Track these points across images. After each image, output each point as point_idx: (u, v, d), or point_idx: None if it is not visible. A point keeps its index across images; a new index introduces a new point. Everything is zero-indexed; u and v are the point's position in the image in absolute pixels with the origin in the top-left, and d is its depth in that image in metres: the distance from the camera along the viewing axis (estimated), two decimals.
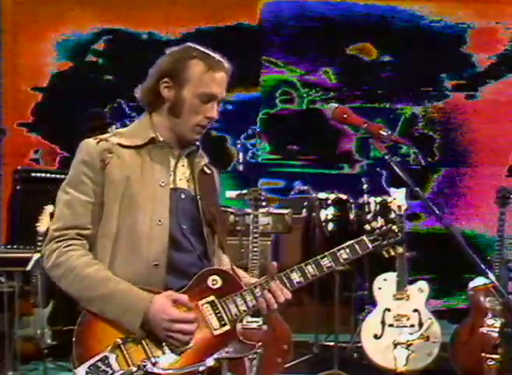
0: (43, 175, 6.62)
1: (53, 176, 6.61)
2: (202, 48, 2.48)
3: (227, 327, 2.37)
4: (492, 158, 7.83)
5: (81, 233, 2.37)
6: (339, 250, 2.51)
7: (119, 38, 7.97)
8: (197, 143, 2.54)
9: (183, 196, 2.46)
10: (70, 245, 2.35)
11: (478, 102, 7.90)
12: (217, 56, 2.48)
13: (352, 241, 2.54)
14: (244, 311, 2.39)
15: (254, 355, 4.75)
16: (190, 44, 2.52)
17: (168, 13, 7.90)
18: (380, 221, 2.62)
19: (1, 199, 7.66)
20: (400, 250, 2.61)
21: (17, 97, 7.90)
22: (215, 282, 2.39)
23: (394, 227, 2.59)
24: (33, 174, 6.62)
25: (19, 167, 6.72)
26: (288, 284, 2.44)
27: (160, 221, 2.37)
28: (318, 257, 2.50)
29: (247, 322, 4.83)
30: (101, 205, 2.39)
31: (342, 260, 2.51)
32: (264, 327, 4.91)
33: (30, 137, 7.91)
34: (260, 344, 4.92)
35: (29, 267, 4.86)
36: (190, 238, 2.43)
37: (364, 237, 2.55)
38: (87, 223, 2.37)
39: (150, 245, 2.35)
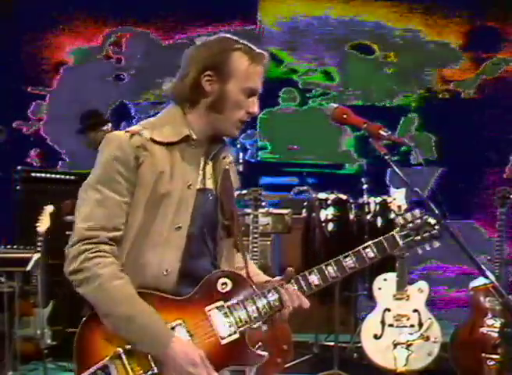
0: (43, 175, 6.63)
1: (53, 176, 6.61)
2: (241, 40, 2.35)
3: (235, 336, 2.24)
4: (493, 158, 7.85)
5: (113, 236, 2.21)
6: (364, 248, 2.33)
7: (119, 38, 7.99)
8: (225, 139, 2.41)
9: (210, 197, 2.35)
10: (99, 251, 2.19)
11: (478, 102, 7.91)
12: (257, 48, 2.35)
13: (381, 238, 2.35)
14: (255, 318, 2.26)
15: None
16: (226, 35, 2.38)
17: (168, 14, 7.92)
18: (415, 213, 2.36)
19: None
20: (437, 244, 2.36)
21: (16, 96, 7.91)
22: (224, 286, 2.25)
23: (430, 219, 2.34)
24: (32, 174, 6.63)
25: (18, 167, 6.72)
26: (305, 287, 2.32)
27: (179, 226, 2.25)
28: (340, 257, 2.33)
29: None
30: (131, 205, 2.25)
31: (368, 259, 2.33)
32: (264, 327, 4.91)
33: (28, 136, 7.92)
34: (260, 344, 4.94)
35: (29, 267, 4.86)
36: (208, 240, 2.34)
37: (395, 232, 2.36)
38: (120, 224, 2.22)
39: (164, 252, 2.24)
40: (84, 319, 2.25)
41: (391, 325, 5.15)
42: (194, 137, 2.31)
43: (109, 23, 7.95)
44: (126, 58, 7.93)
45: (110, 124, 5.78)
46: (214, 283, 2.26)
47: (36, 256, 4.88)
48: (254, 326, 2.28)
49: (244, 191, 5.42)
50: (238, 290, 2.27)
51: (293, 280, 2.31)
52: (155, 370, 2.18)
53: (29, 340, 5.27)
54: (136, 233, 2.24)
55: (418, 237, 2.35)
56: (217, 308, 2.25)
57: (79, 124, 5.86)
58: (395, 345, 5.07)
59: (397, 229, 2.36)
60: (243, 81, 2.29)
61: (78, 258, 2.19)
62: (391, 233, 2.36)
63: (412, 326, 5.12)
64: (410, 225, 2.36)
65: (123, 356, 2.19)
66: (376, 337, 5.15)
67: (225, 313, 2.25)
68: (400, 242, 2.35)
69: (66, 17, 7.90)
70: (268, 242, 6.02)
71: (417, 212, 2.36)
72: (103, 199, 2.21)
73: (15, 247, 5.22)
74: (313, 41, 7.96)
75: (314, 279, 2.32)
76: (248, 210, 5.36)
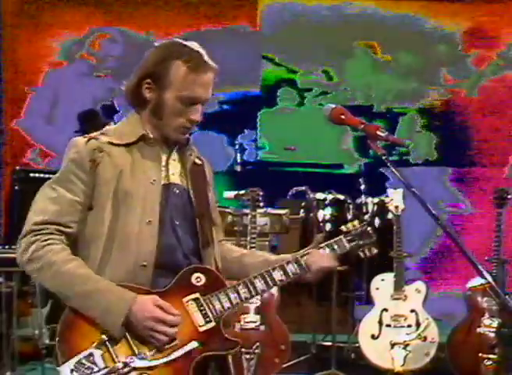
0: (41, 175, 6.62)
1: (52, 176, 6.60)
2: (187, 46, 2.40)
3: (212, 324, 2.36)
4: (493, 158, 7.85)
5: (62, 229, 2.33)
6: (318, 249, 2.56)
7: (119, 38, 7.98)
8: (187, 136, 2.50)
9: (176, 191, 2.44)
10: (49, 239, 2.31)
11: (478, 101, 7.92)
12: (202, 56, 2.40)
13: (331, 241, 2.58)
14: (228, 308, 2.39)
15: (252, 356, 4.76)
16: (175, 40, 2.46)
17: (167, 14, 7.91)
18: (356, 222, 2.65)
19: (0, 199, 7.67)
20: (375, 251, 2.64)
21: (14, 96, 7.91)
22: (198, 279, 2.38)
23: (369, 229, 2.63)
24: (31, 174, 6.62)
25: (17, 167, 6.72)
26: (271, 282, 2.47)
27: (149, 221, 2.35)
28: (298, 254, 2.54)
29: (245, 322, 4.85)
30: (87, 206, 2.36)
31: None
32: (262, 327, 4.92)
33: (26, 136, 7.92)
34: (257, 344, 4.97)
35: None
36: (181, 234, 2.42)
37: (342, 237, 2.59)
38: (70, 221, 2.34)
39: (138, 246, 2.33)
40: (64, 312, 2.32)
41: (388, 325, 5.15)
42: (151, 135, 2.43)
43: (103, 20, 7.95)
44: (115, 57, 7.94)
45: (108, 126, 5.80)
46: (188, 277, 2.38)
47: None
48: (225, 313, 2.41)
49: (242, 192, 5.43)
50: (211, 283, 2.39)
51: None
52: (139, 356, 2.26)
53: (27, 340, 5.28)
54: (108, 229, 2.34)
55: (361, 242, 2.62)
56: (193, 299, 2.37)
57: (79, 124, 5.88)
58: (392, 345, 5.08)
59: (344, 234, 2.61)
60: (180, 90, 2.36)
61: (29, 248, 2.31)
62: (339, 237, 2.60)
63: (409, 326, 5.13)
64: (354, 232, 2.61)
65: (108, 343, 2.26)
66: (374, 337, 5.16)
67: (201, 304, 2.37)
68: (347, 246, 2.59)
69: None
70: (266, 242, 6.03)
71: (356, 222, 2.64)
72: (57, 197, 2.35)
73: (13, 247, 5.22)
74: (312, 40, 7.95)
75: (278, 275, 2.49)
76: (246, 210, 5.37)
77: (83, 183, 2.35)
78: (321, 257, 2.53)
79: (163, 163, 2.44)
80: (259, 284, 2.45)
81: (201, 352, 2.33)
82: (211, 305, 2.37)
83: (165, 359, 2.28)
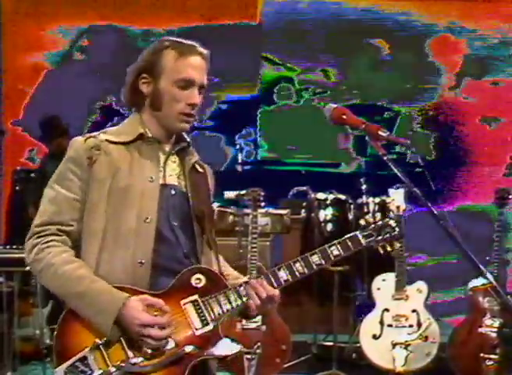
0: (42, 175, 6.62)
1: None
2: (175, 38, 2.46)
3: (209, 327, 2.32)
4: (491, 157, 7.85)
5: (63, 229, 2.35)
6: (330, 246, 2.45)
7: (118, 38, 7.99)
8: (188, 140, 2.51)
9: (173, 192, 2.43)
10: (50, 241, 2.33)
11: (477, 100, 7.92)
12: (190, 42, 2.44)
13: (345, 237, 2.48)
14: (228, 310, 2.35)
15: (253, 355, 4.76)
16: (165, 37, 2.50)
17: (165, 10, 7.92)
18: (377, 215, 2.58)
19: (0, 199, 7.67)
20: (398, 245, 2.57)
21: (12, 96, 7.92)
22: (198, 281, 2.35)
23: (392, 222, 2.52)
24: (32, 175, 6.63)
25: (18, 168, 6.73)
26: (274, 282, 2.40)
27: (147, 218, 2.34)
28: (308, 254, 2.45)
29: (247, 322, 4.85)
30: (85, 203, 2.36)
31: (332, 257, 2.44)
32: (263, 328, 4.92)
33: (24, 136, 7.93)
34: (259, 344, 4.97)
35: (28, 267, 4.85)
36: (179, 235, 2.41)
37: (358, 233, 2.49)
38: (70, 219, 2.35)
39: (136, 243, 2.33)
40: (62, 314, 2.32)
41: (390, 325, 5.15)
42: (150, 134, 2.44)
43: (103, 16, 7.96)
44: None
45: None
46: (188, 279, 2.35)
47: None
48: (226, 318, 2.37)
49: (243, 192, 5.43)
50: (211, 285, 2.36)
51: (263, 276, 2.42)
52: (132, 360, 2.25)
53: (28, 340, 5.28)
54: (103, 226, 2.34)
55: (379, 238, 2.50)
56: (191, 302, 2.34)
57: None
58: (393, 345, 5.08)
59: (361, 229, 2.50)
60: (173, 74, 2.39)
61: (32, 250, 2.35)
62: (354, 233, 2.49)
63: (411, 326, 5.13)
64: (372, 226, 2.51)
65: (102, 347, 2.25)
66: (375, 337, 5.16)
67: (200, 306, 2.34)
68: (363, 242, 2.48)
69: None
70: (268, 243, 6.03)
71: (378, 215, 2.47)
72: (55, 196, 2.37)
73: (14, 247, 5.23)
74: (311, 39, 7.96)
75: (283, 274, 2.42)
76: (247, 210, 5.37)
77: (80, 180, 2.36)
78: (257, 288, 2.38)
79: (161, 163, 2.44)
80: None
81: (198, 356, 2.29)
82: (209, 308, 2.34)
83: (158, 364, 2.25)
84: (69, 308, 2.31)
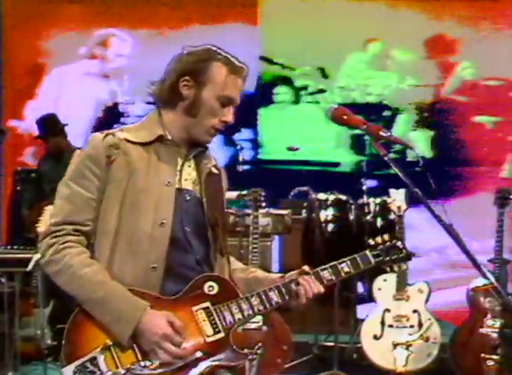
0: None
1: None
2: (225, 53, 2.45)
3: (221, 335, 2.32)
4: (490, 157, 7.85)
5: (79, 229, 2.32)
6: (340, 263, 2.49)
7: (119, 37, 7.99)
8: (207, 144, 2.50)
9: (188, 197, 2.41)
10: (67, 242, 2.30)
11: (476, 100, 7.92)
12: (241, 62, 2.45)
13: (355, 255, 2.51)
14: (239, 319, 2.35)
15: (254, 356, 4.76)
16: (211, 46, 2.47)
17: (167, 12, 7.92)
18: (385, 236, 2.56)
19: (1, 199, 7.67)
20: (404, 267, 2.58)
21: (12, 96, 7.92)
22: (211, 288, 2.35)
23: (399, 243, 2.55)
24: (32, 175, 6.63)
25: (18, 168, 6.73)
26: (286, 295, 2.45)
27: (163, 222, 2.32)
28: (318, 269, 2.48)
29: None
30: (101, 202, 2.34)
31: (343, 274, 2.49)
32: (264, 328, 4.92)
33: (24, 136, 7.93)
34: (260, 344, 4.96)
35: (29, 268, 4.85)
36: (192, 241, 2.39)
37: (368, 252, 2.52)
38: (87, 219, 2.33)
39: (150, 247, 2.31)
40: (73, 314, 2.31)
41: (391, 325, 5.15)
42: (169, 137, 2.41)
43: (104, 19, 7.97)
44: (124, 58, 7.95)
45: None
46: (201, 286, 2.35)
47: (36, 257, 4.85)
48: (239, 327, 2.38)
49: (244, 192, 5.43)
50: (224, 293, 2.36)
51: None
52: (142, 363, 2.24)
53: (29, 340, 5.27)
54: (117, 228, 2.32)
55: (388, 258, 2.54)
56: (203, 308, 2.34)
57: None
58: (395, 346, 5.08)
59: (370, 249, 2.53)
60: (220, 89, 2.39)
61: (48, 251, 2.31)
62: (364, 252, 2.52)
63: (412, 326, 5.13)
64: (381, 247, 2.54)
65: (112, 348, 2.25)
66: (376, 337, 5.16)
67: (211, 314, 2.33)
68: (372, 261, 2.52)
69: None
70: (269, 243, 6.02)
71: (386, 236, 2.55)
72: (71, 195, 2.33)
73: (15, 247, 5.23)
74: (309, 38, 7.96)
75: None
76: (248, 211, 5.36)
77: (98, 179, 2.33)
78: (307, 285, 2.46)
79: (178, 167, 2.42)
80: (273, 296, 2.42)
81: (207, 363, 2.29)
82: (221, 316, 2.33)
83: (168, 368, 2.25)
84: (80, 309, 2.29)
